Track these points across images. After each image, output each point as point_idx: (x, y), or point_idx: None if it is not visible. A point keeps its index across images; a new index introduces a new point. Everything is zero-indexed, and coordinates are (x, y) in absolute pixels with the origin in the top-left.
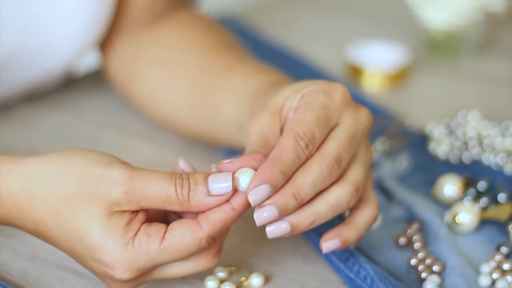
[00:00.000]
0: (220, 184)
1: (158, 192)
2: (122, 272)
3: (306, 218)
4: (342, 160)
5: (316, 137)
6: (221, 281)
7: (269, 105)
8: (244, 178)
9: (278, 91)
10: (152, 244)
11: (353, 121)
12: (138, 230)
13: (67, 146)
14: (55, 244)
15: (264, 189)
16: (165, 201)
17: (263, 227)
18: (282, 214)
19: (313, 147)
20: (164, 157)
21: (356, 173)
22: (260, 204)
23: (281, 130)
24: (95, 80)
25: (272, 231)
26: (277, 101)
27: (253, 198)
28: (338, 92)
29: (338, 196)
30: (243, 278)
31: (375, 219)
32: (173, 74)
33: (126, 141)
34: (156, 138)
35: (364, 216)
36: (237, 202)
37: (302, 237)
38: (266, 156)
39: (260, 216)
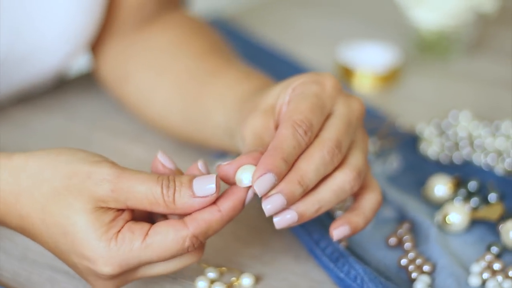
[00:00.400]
0: (204, 186)
1: (145, 192)
2: (104, 266)
3: (312, 205)
4: (342, 145)
5: (314, 124)
6: (212, 281)
7: (260, 105)
8: (246, 174)
9: (267, 92)
10: (135, 241)
11: (346, 108)
12: (122, 227)
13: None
14: (40, 241)
15: (269, 178)
16: (151, 202)
17: (253, 227)
18: (290, 202)
19: (312, 134)
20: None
21: (356, 159)
22: (266, 195)
23: (276, 128)
24: (87, 82)
25: (279, 221)
26: (268, 100)
27: (259, 189)
28: (328, 81)
29: (341, 181)
30: (233, 279)
31: (380, 204)
32: (162, 79)
33: (118, 142)
34: (147, 139)
35: (370, 201)
36: (224, 205)
37: (293, 237)
38: (263, 153)
39: (267, 206)
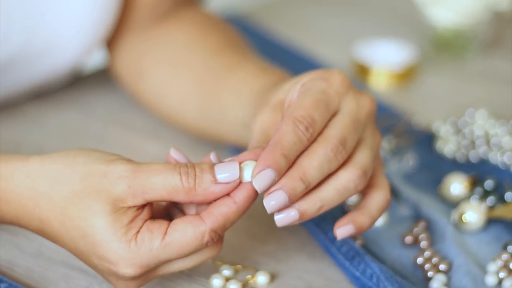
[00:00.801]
0: (227, 173)
1: (162, 182)
2: (125, 268)
3: (314, 204)
4: (347, 142)
5: (316, 120)
6: (227, 279)
7: (271, 100)
8: (248, 170)
9: (279, 87)
10: (154, 241)
11: (354, 105)
12: (141, 227)
13: (74, 144)
14: (61, 243)
15: (268, 174)
16: (170, 191)
17: (268, 225)
18: (292, 199)
19: (314, 130)
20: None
21: (363, 157)
22: (268, 191)
23: None
24: (102, 78)
25: (281, 219)
26: (278, 96)
27: (258, 185)
28: (336, 77)
29: (345, 180)
30: (249, 276)
31: (388, 204)
32: (179, 74)
33: (133, 138)
34: (163, 135)
35: (377, 200)
36: (238, 196)
37: (308, 235)
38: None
39: (269, 203)
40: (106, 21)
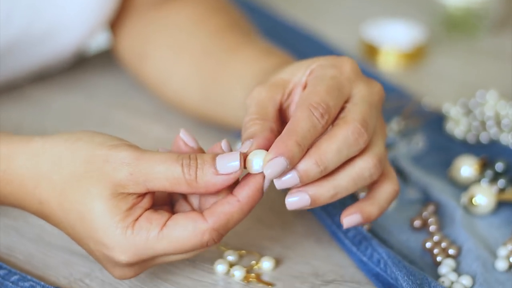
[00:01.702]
0: (228, 163)
1: (165, 172)
2: (120, 254)
3: (327, 190)
4: (368, 125)
5: (331, 106)
6: (231, 264)
7: (270, 79)
8: (257, 160)
9: (281, 69)
10: (151, 231)
11: (368, 91)
12: (140, 215)
13: (77, 127)
14: (59, 226)
15: (280, 162)
16: (172, 182)
17: (274, 209)
18: (303, 181)
19: (329, 117)
20: (174, 138)
21: (377, 146)
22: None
23: (281, 104)
24: (106, 60)
25: (292, 202)
26: (279, 76)
27: (269, 172)
28: (347, 64)
29: (361, 168)
30: (253, 262)
31: (396, 194)
32: (180, 58)
33: (137, 121)
34: (166, 118)
35: (386, 191)
36: (242, 195)
37: (314, 220)
38: (274, 132)
39: (279, 180)
40: (109, 2)
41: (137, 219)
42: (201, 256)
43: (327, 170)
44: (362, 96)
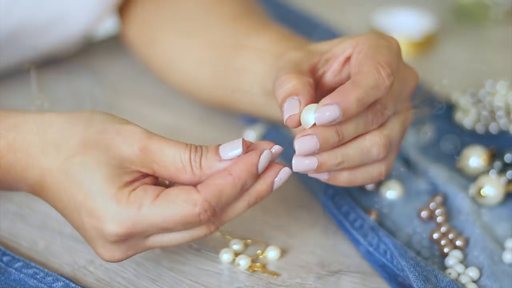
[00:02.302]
0: (231, 151)
1: (173, 156)
2: (111, 224)
3: (335, 157)
4: (387, 108)
5: (394, 72)
6: (236, 253)
7: (305, 48)
8: (312, 115)
9: (316, 44)
10: (145, 200)
11: (402, 77)
12: (137, 187)
13: None
14: (54, 200)
15: (334, 109)
16: (178, 168)
17: (280, 198)
18: (322, 148)
19: (392, 82)
20: (182, 124)
21: (393, 129)
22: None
23: (316, 69)
24: (113, 46)
25: (298, 163)
26: (316, 46)
27: (319, 117)
28: (394, 41)
29: (370, 143)
30: (259, 251)
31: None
32: (192, 42)
33: (144, 107)
34: (174, 104)
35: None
36: (234, 169)
37: (320, 210)
38: (313, 88)
39: (299, 144)
40: None
41: (134, 189)
42: (206, 245)
43: (343, 141)
44: (397, 79)
